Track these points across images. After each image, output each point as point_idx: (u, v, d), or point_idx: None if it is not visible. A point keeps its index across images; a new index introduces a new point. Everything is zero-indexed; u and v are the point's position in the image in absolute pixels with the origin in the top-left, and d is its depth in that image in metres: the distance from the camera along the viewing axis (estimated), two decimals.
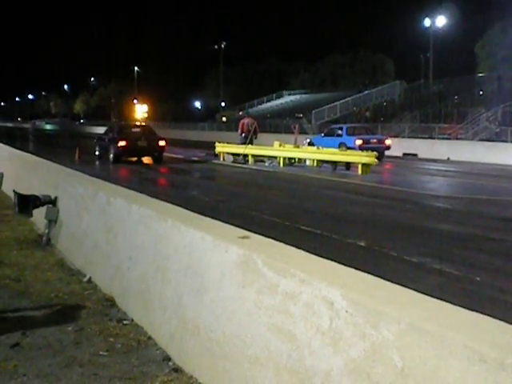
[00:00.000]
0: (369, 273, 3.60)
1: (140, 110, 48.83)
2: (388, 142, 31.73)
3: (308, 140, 33.32)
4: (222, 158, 30.59)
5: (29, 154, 17.36)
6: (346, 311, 3.10)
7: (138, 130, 31.36)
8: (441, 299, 3.11)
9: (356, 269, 3.68)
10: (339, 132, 32.69)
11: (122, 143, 27.79)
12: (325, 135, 33.81)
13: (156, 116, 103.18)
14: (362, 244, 10.10)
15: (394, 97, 68.98)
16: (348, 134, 31.79)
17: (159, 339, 5.20)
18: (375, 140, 31.43)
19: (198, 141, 57.14)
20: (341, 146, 29.34)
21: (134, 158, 28.83)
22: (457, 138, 43.23)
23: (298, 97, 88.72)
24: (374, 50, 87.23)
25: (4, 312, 6.05)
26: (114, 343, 5.23)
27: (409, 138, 45.04)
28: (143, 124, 40.83)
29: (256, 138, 30.82)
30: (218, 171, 26.59)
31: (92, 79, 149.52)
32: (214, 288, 4.42)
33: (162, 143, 29.06)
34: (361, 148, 28.02)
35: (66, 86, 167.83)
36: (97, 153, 31.05)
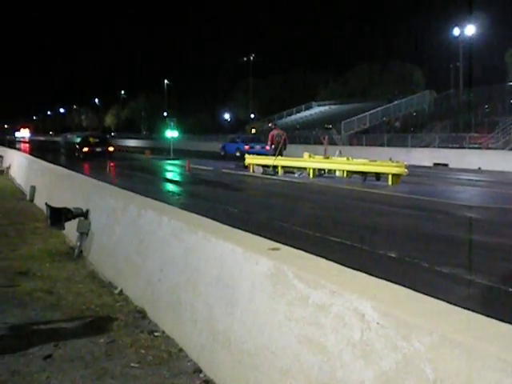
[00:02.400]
0: (400, 284, 3.59)
1: (169, 123, 49.37)
2: (267, 147, 37.77)
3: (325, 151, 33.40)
4: (251, 170, 30.64)
5: (60, 168, 17.52)
6: (377, 323, 3.08)
7: (97, 140, 47.65)
8: (473, 310, 3.08)
9: (387, 280, 3.66)
10: (237, 140, 49.30)
11: (85, 149, 44.42)
12: (230, 142, 50.33)
13: (186, 128, 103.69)
14: (393, 255, 10.04)
15: (423, 106, 68.68)
16: (241, 142, 47.45)
17: (190, 351, 5.20)
18: (259, 147, 43.83)
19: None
20: (237, 149, 45.99)
21: None
22: (488, 148, 42.87)
23: (327, 108, 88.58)
24: (403, 59, 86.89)
25: (37, 324, 6.10)
26: (145, 355, 5.25)
27: (439, 147, 44.82)
28: (101, 135, 57.37)
29: (285, 149, 30.85)
30: (247, 183, 26.62)
31: (122, 92, 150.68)
32: (244, 300, 4.42)
33: (110, 149, 45.50)
34: (248, 152, 39.87)
35: (96, 100, 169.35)
36: (76, 154, 45.70)
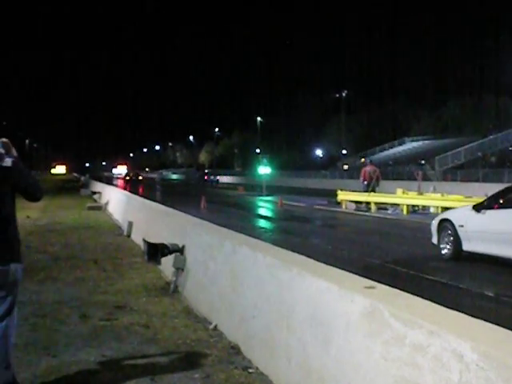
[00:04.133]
0: (498, 324, 3.50)
1: (262, 160, 50.78)
2: (218, 177, 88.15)
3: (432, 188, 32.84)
4: (344, 206, 30.48)
5: (157, 204, 17.92)
6: (477, 365, 3.02)
7: (133, 172, 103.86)
8: None
9: (485, 320, 3.59)
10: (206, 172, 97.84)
11: (127, 178, 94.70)
12: (204, 174, 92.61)
13: (278, 165, 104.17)
14: (490, 294, 9.79)
15: None
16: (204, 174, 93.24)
17: None
18: (212, 177, 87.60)
19: (320, 189, 57.22)
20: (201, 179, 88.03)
21: None
22: None
23: (420, 143, 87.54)
24: (498, 93, 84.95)
25: (134, 358, 6.22)
26: None
27: None
28: (136, 171, 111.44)
29: (378, 185, 30.62)
30: (340, 219, 26.51)
31: (216, 130, 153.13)
32: (339, 338, 4.40)
33: (140, 177, 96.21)
34: (206, 180, 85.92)
35: (191, 137, 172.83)
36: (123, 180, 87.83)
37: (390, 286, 4.61)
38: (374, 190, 29.89)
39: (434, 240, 13.93)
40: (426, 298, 4.13)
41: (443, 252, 13.48)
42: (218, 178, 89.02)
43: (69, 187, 60.42)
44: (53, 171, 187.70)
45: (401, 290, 4.47)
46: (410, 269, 12.13)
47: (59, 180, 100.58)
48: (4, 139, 4.94)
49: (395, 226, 22.45)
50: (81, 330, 7.23)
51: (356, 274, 5.16)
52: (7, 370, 4.82)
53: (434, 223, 14.01)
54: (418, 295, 4.23)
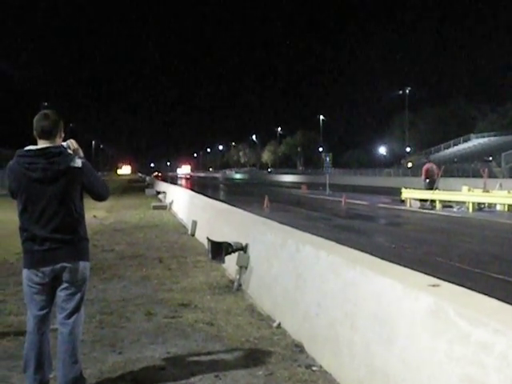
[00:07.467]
0: None
1: (325, 158, 50.54)
2: (195, 174, 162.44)
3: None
4: (408, 204, 30.19)
5: (220, 203, 18.03)
6: None
7: (157, 172, 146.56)
8: None
9: None
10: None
11: (154, 174, 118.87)
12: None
13: (341, 163, 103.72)
14: None
15: None
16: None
17: None
18: (188, 173, 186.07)
19: (384, 187, 56.72)
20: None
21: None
22: None
23: (486, 139, 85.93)
24: None
25: (198, 354, 6.28)
26: None
27: None
28: (159, 170, 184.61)
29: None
30: (404, 217, 26.22)
31: (279, 129, 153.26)
32: (403, 337, 4.37)
33: (160, 174, 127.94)
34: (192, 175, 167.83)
35: (254, 137, 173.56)
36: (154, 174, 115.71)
37: (454, 283, 4.56)
38: (436, 188, 29.54)
39: None
40: (493, 297, 4.07)
41: None
42: (198, 174, 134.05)
43: (134, 187, 61.30)
44: (118, 172, 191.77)
45: (465, 287, 4.41)
46: (477, 267, 11.94)
47: (125, 180, 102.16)
48: (72, 140, 5.06)
49: (461, 224, 22.09)
50: (146, 328, 7.34)
51: (421, 272, 5.11)
52: (75, 366, 4.93)
53: None
54: (485, 294, 4.17)
